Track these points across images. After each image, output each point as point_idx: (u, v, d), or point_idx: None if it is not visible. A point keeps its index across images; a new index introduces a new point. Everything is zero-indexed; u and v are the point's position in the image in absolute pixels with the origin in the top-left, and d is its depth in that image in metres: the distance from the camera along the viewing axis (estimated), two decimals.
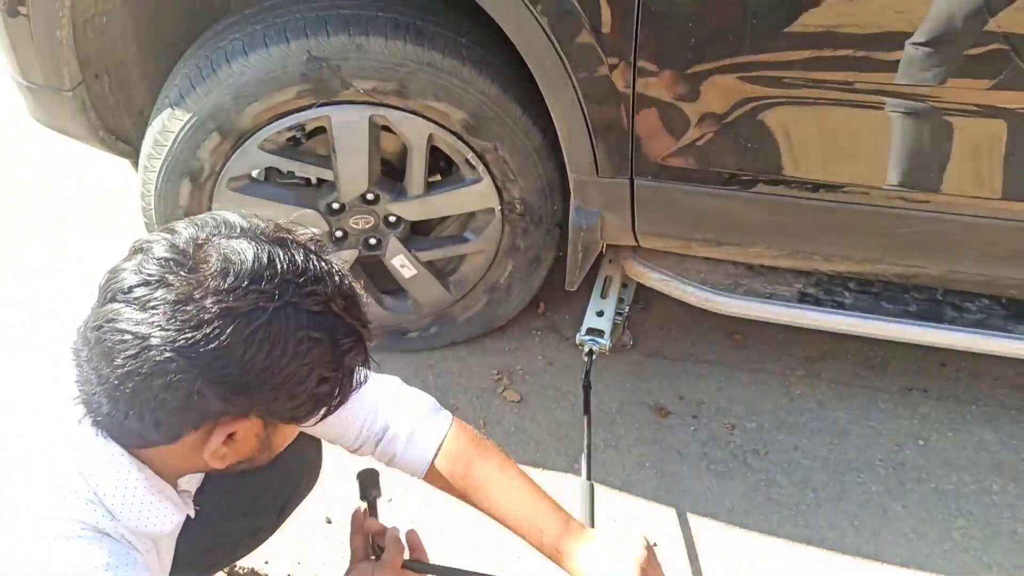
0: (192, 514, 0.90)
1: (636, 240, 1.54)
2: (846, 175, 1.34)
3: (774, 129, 1.30)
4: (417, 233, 1.75)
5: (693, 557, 1.49)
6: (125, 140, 1.71)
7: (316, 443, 1.19)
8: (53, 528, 0.75)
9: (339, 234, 1.68)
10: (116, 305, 0.71)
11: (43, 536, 0.74)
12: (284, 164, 1.57)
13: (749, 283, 1.58)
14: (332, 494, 1.54)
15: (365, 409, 1.06)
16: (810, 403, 1.76)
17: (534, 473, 1.60)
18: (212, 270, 0.71)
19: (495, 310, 1.82)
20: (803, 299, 1.55)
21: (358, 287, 0.80)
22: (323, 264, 0.77)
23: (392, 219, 1.66)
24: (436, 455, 1.06)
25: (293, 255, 0.74)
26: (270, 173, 1.69)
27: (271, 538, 1.46)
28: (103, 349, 0.71)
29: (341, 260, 1.61)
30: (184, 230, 0.75)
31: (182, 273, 0.71)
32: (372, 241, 1.70)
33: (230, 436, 0.77)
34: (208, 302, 0.70)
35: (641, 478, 1.62)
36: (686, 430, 1.71)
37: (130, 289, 0.71)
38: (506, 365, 1.83)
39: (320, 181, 1.63)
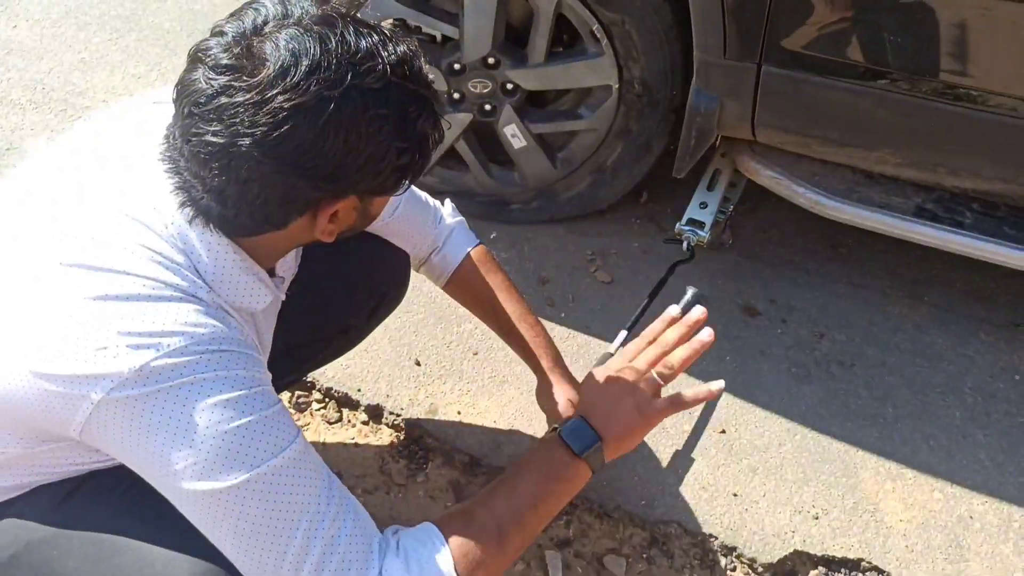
0: (283, 297, 0.97)
1: (753, 133, 1.51)
2: (996, 82, 1.26)
3: (923, 23, 1.22)
4: (532, 105, 1.77)
5: (760, 448, 1.53)
6: None
7: (403, 257, 1.28)
8: (153, 288, 0.79)
9: (456, 96, 1.71)
10: (195, 119, 0.75)
11: (140, 294, 0.79)
12: (414, 18, 1.60)
13: (865, 191, 1.53)
14: (423, 341, 1.65)
15: (430, 219, 1.25)
16: (907, 324, 1.73)
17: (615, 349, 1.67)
18: (272, 70, 0.72)
19: (598, 192, 1.84)
20: (920, 214, 1.50)
21: (413, 47, 0.80)
22: (374, 36, 0.77)
23: (509, 87, 1.68)
24: (467, 256, 1.26)
25: (343, 35, 0.75)
26: (397, 26, 1.72)
27: (365, 369, 1.59)
28: (198, 160, 0.76)
29: (453, 120, 1.69)
30: (230, 27, 0.76)
31: (245, 78, 0.73)
32: (487, 107, 1.73)
33: (334, 214, 0.83)
34: (277, 103, 0.72)
35: (719, 369, 1.65)
36: (773, 332, 1.71)
37: (206, 101, 0.74)
38: (601, 247, 1.86)
39: (445, 39, 1.66)
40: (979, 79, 1.27)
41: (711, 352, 1.65)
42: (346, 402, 1.57)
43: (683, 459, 1.51)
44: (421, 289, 1.68)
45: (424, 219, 1.26)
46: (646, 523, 1.42)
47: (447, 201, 1.32)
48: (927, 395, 1.62)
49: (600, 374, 1.09)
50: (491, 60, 1.64)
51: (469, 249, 1.29)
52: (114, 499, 0.90)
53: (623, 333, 1.55)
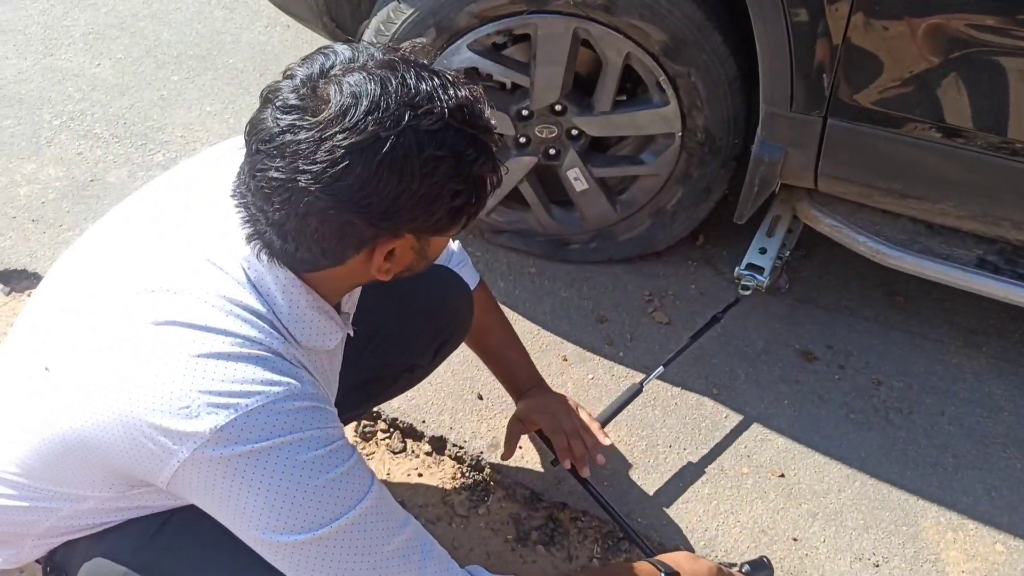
0: (351, 333, 1.00)
1: (815, 182, 1.54)
2: None
3: (991, 80, 1.26)
4: (594, 149, 1.83)
5: (819, 493, 1.54)
6: (343, 29, 1.86)
7: (468, 295, 1.32)
8: (232, 345, 0.82)
9: (523, 140, 1.78)
10: (261, 155, 0.78)
11: (221, 352, 0.81)
12: (486, 66, 1.67)
13: (926, 241, 1.56)
14: (485, 375, 1.69)
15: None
16: (966, 373, 1.73)
17: (672, 391, 1.70)
18: (333, 110, 0.75)
19: (656, 234, 1.88)
20: (981, 265, 1.52)
21: (476, 92, 0.81)
22: (435, 80, 0.79)
23: (574, 132, 1.74)
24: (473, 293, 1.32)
25: (405, 78, 0.77)
26: (468, 74, 1.80)
27: (429, 401, 1.63)
28: (262, 194, 0.80)
29: (519, 163, 1.75)
30: (300, 70, 0.80)
31: (308, 117, 0.76)
32: (552, 151, 1.79)
33: (390, 253, 0.85)
34: (336, 141, 0.75)
35: (777, 413, 1.66)
36: (830, 378, 1.73)
37: (271, 138, 0.77)
38: (658, 288, 1.90)
39: (515, 87, 1.73)
40: None
41: (769, 395, 1.69)
42: (410, 433, 1.61)
43: (742, 502, 1.52)
44: None
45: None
46: None
47: (455, 242, 1.37)
48: (987, 446, 1.62)
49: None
50: (558, 107, 1.70)
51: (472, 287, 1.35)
52: (203, 532, 0.93)
53: (660, 369, 1.57)
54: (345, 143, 0.75)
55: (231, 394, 0.80)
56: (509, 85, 1.74)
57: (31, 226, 1.95)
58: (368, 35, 1.67)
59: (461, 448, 1.59)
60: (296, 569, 0.85)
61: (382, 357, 1.26)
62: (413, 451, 1.60)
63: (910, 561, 1.45)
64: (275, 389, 0.82)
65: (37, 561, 1.03)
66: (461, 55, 1.65)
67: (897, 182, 1.46)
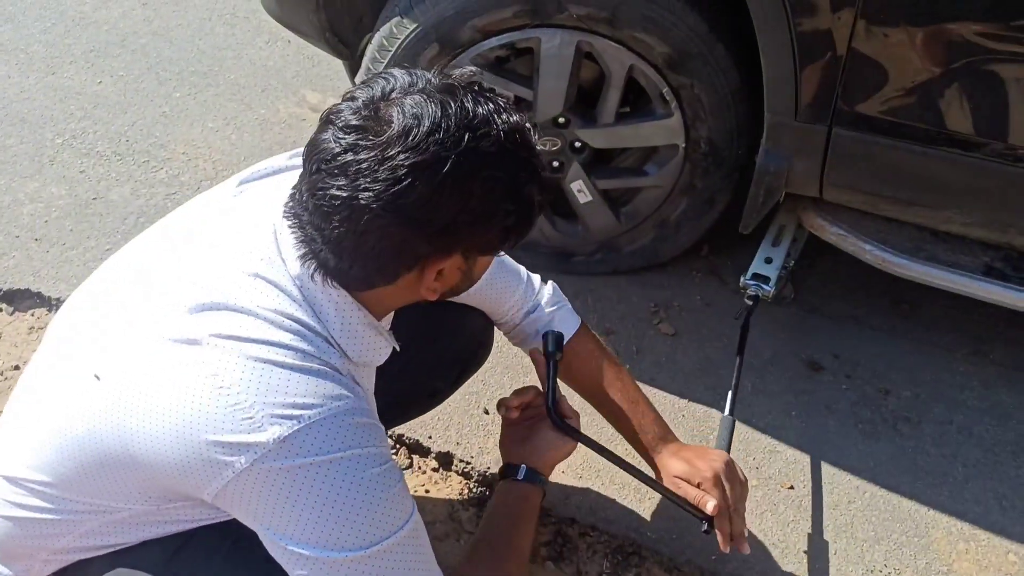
0: (397, 348, 1.01)
1: (821, 191, 1.54)
2: None
3: (995, 88, 1.26)
4: (598, 161, 1.83)
5: (829, 505, 1.53)
6: (345, 43, 1.86)
7: (488, 322, 1.32)
8: (293, 358, 0.84)
9: (528, 115, 1.77)
10: (322, 174, 0.80)
11: (283, 363, 0.83)
12: (489, 80, 1.67)
13: (932, 249, 1.55)
14: (491, 390, 1.69)
15: (523, 284, 1.26)
16: (973, 382, 1.73)
17: (680, 403, 1.69)
18: (396, 131, 0.78)
19: (661, 245, 1.88)
20: (988, 272, 1.51)
21: (525, 118, 0.85)
22: (491, 105, 0.82)
23: (578, 145, 1.74)
24: (566, 344, 1.24)
25: (463, 102, 0.80)
26: None
27: (435, 417, 1.62)
28: (321, 213, 0.81)
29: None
30: (361, 93, 0.83)
31: (370, 137, 0.78)
32: (555, 164, 1.78)
33: (439, 272, 0.87)
34: (398, 160, 0.77)
35: (785, 424, 1.66)
36: (838, 387, 1.72)
37: (333, 158, 0.79)
38: (664, 300, 1.89)
39: (518, 100, 1.73)
40: None
41: (777, 407, 1.68)
42: (416, 449, 1.60)
43: (752, 515, 1.51)
44: None
45: (514, 288, 1.27)
46: None
47: (550, 283, 1.32)
48: (997, 454, 1.61)
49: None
50: (561, 120, 1.70)
51: (572, 334, 1.28)
52: (222, 554, 0.94)
53: (729, 395, 1.53)
54: (407, 162, 0.77)
55: (295, 406, 0.81)
56: (512, 99, 1.74)
57: (34, 245, 1.94)
58: (371, 50, 1.68)
59: (468, 464, 1.58)
60: None
61: (403, 381, 1.25)
62: (420, 467, 1.59)
63: (922, 573, 1.44)
64: (337, 403, 0.84)
65: None
66: (464, 69, 1.65)
67: (903, 190, 1.46)
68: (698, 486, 1.24)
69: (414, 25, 1.58)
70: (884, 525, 1.50)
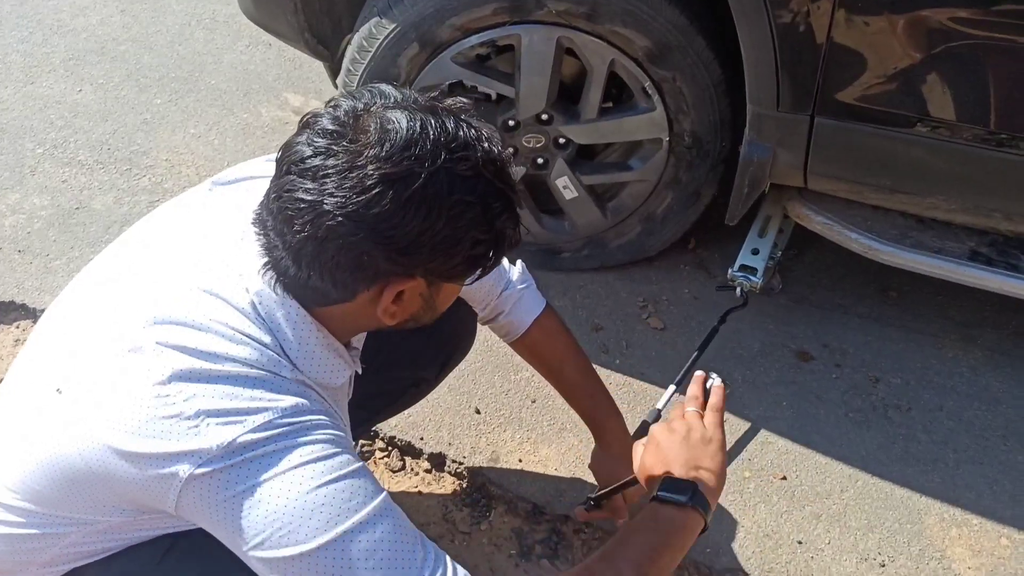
0: (359, 371, 0.99)
1: (805, 181, 1.54)
2: None
3: (977, 73, 1.26)
4: (582, 157, 1.82)
5: (822, 494, 1.53)
6: (325, 45, 1.85)
7: (472, 313, 1.31)
8: (240, 367, 0.82)
9: (510, 151, 1.77)
10: (291, 176, 0.78)
11: (229, 374, 0.81)
12: (470, 78, 1.67)
13: (918, 236, 1.56)
14: (482, 389, 1.68)
15: (499, 267, 1.21)
16: (962, 367, 1.73)
17: None
18: (371, 139, 0.76)
19: (647, 240, 1.87)
20: (974, 257, 1.52)
21: (506, 154, 0.84)
22: (473, 131, 0.81)
23: (562, 141, 1.74)
24: (535, 321, 1.27)
25: (444, 122, 0.79)
26: (454, 87, 1.79)
27: (426, 418, 1.62)
28: (284, 216, 0.79)
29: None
30: (344, 102, 0.81)
31: (344, 143, 0.77)
32: (540, 160, 1.78)
33: (399, 295, 0.84)
34: (369, 169, 0.75)
35: (776, 415, 1.66)
36: (827, 377, 1.72)
37: (302, 160, 0.78)
38: (652, 294, 1.89)
39: (500, 98, 1.72)
40: None
41: (768, 398, 1.68)
42: (409, 450, 1.60)
43: (746, 506, 1.51)
44: (478, 338, 1.71)
45: (492, 284, 1.27)
46: (712, 571, 1.42)
47: (518, 263, 1.33)
48: (987, 439, 1.61)
49: (651, 439, 1.07)
50: (544, 116, 1.69)
51: (535, 316, 1.29)
52: (212, 554, 0.91)
53: (671, 388, 1.57)
54: (377, 173, 0.76)
55: (238, 411, 0.80)
56: (494, 96, 1.74)
57: (17, 257, 1.92)
58: (351, 51, 1.67)
59: (461, 464, 1.57)
60: None
61: (387, 371, 1.25)
62: (412, 469, 1.59)
63: (916, 559, 1.44)
64: (282, 404, 0.82)
65: None
66: (445, 69, 1.64)
67: (887, 177, 1.46)
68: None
69: (393, 25, 1.57)
70: (877, 513, 1.51)
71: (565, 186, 1.80)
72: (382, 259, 0.80)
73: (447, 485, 1.56)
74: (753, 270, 1.69)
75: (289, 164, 0.79)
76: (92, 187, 2.11)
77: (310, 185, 0.77)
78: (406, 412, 1.59)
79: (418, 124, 0.78)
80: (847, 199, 1.59)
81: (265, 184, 0.86)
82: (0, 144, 2.21)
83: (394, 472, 1.58)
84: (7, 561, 0.94)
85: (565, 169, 1.77)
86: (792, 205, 1.65)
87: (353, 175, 0.76)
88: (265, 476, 0.79)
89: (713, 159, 1.70)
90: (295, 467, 0.80)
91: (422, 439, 1.60)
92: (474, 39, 1.59)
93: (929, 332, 1.80)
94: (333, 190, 0.76)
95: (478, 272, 0.86)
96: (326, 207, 0.77)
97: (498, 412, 1.65)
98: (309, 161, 0.78)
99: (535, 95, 1.65)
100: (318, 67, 2.39)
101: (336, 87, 1.84)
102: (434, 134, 0.78)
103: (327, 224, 0.77)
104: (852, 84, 1.35)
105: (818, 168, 1.49)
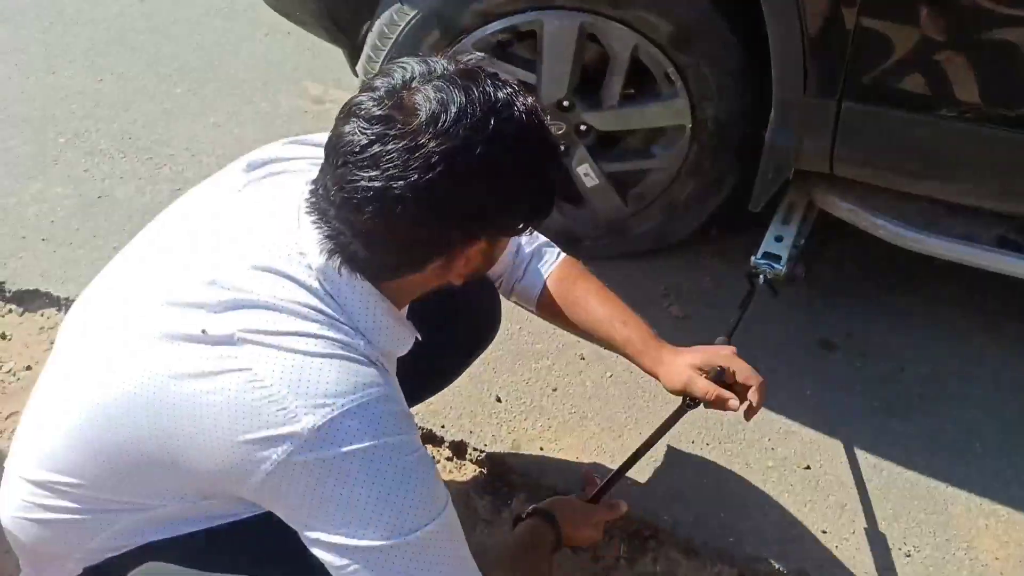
0: (420, 338, 1.00)
1: (831, 167, 1.52)
2: None
3: (1002, 57, 1.24)
4: (603, 144, 1.81)
5: (847, 484, 1.52)
6: (344, 32, 1.84)
7: (495, 300, 1.32)
8: (321, 346, 0.83)
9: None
10: (349, 167, 0.79)
11: (312, 351, 0.82)
12: (490, 64, 1.65)
13: (945, 222, 1.53)
14: (503, 378, 1.68)
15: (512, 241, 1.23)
16: (988, 356, 1.71)
17: None
18: (424, 118, 0.78)
19: (669, 227, 1.86)
20: (1002, 243, 1.49)
21: (535, 100, 0.86)
22: (508, 88, 0.83)
23: (583, 128, 1.72)
24: (549, 275, 1.25)
25: (484, 86, 0.80)
26: None
27: (447, 406, 1.62)
28: (350, 206, 0.80)
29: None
30: (381, 84, 0.82)
31: (398, 127, 0.78)
32: (561, 147, 1.77)
33: (467, 256, 0.87)
34: (430, 147, 0.77)
35: (800, 405, 1.64)
36: (852, 366, 1.71)
37: (361, 150, 0.79)
38: (673, 282, 1.88)
39: (521, 85, 1.71)
40: None
41: (791, 387, 1.67)
42: (430, 438, 1.60)
43: (769, 496, 1.50)
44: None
45: (505, 252, 1.26)
46: (735, 560, 1.42)
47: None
48: (1014, 428, 1.59)
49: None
50: (566, 103, 1.68)
51: (547, 272, 1.27)
52: (253, 544, 0.93)
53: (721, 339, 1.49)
54: (439, 149, 0.77)
55: (328, 394, 0.81)
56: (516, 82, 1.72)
57: (41, 245, 1.94)
58: (372, 38, 1.66)
59: (482, 452, 1.57)
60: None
61: (416, 361, 1.25)
62: (434, 457, 1.59)
63: (942, 549, 1.43)
64: (370, 391, 0.83)
65: None
66: (466, 53, 1.63)
67: (914, 162, 1.44)
68: (721, 371, 1.22)
69: (415, 11, 1.57)
70: (903, 503, 1.49)
71: (586, 173, 1.79)
72: (452, 229, 0.83)
73: (468, 473, 1.56)
74: (777, 257, 1.67)
75: (345, 155, 0.80)
76: (114, 176, 2.12)
77: (373, 173, 0.78)
78: (427, 400, 1.60)
79: (463, 94, 0.79)
80: (873, 185, 1.57)
81: (294, 168, 0.86)
82: (23, 134, 2.23)
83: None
84: (50, 548, 0.95)
85: (586, 156, 1.76)
86: (817, 191, 1.64)
87: (416, 156, 0.77)
88: (358, 467, 0.81)
89: (736, 146, 1.68)
90: (386, 466, 0.82)
91: (443, 427, 1.60)
92: (496, 25, 1.58)
93: (955, 320, 1.77)
94: (397, 173, 0.78)
95: (535, 220, 0.89)
96: (395, 191, 0.78)
97: (519, 400, 1.65)
98: (368, 150, 0.79)
99: (557, 82, 1.64)
100: (337, 55, 2.38)
101: (356, 75, 1.84)
102: (479, 100, 0.79)
103: (399, 208, 0.79)
104: (881, 67, 1.33)
105: (844, 154, 1.47)
